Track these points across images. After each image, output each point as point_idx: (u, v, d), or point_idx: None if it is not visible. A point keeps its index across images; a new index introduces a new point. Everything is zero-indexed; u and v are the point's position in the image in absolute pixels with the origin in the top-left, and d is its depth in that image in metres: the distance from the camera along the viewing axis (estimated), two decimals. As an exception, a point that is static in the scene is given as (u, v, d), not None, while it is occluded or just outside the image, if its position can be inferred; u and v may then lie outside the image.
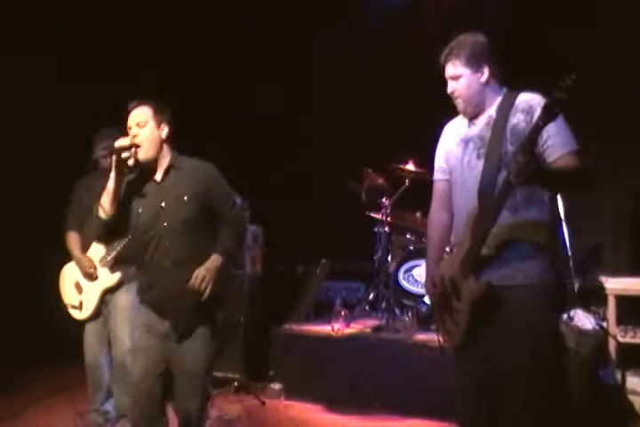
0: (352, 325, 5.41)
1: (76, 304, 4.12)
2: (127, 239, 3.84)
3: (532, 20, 5.59)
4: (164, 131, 3.05)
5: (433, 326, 4.84)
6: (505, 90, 2.82)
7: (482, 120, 2.80)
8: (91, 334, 4.13)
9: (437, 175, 3.02)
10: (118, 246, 3.98)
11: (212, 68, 6.53)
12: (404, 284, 5.57)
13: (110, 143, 3.84)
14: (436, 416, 4.48)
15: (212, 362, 3.10)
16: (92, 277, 4.07)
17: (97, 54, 5.93)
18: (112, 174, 2.94)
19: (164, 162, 3.05)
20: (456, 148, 2.88)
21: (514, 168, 2.35)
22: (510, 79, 2.90)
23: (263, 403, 4.92)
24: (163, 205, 2.99)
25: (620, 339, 4.15)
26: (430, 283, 2.88)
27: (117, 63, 5.96)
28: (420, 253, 5.67)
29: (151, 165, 3.03)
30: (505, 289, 2.62)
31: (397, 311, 5.46)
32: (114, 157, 2.93)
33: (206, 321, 3.01)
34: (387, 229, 5.87)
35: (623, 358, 4.11)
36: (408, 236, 6.00)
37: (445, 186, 2.97)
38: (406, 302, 5.53)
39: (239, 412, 4.72)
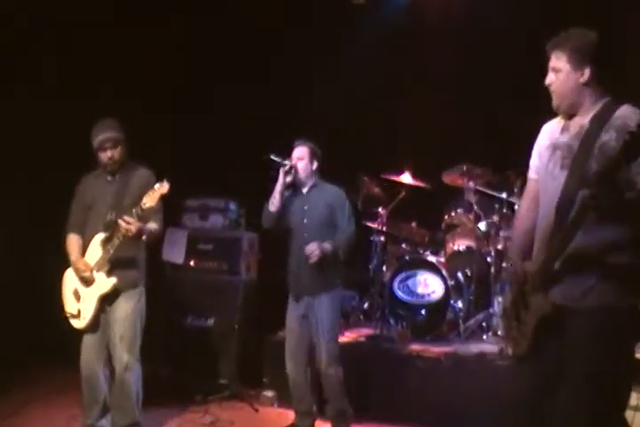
0: (346, 333, 5.43)
1: (75, 313, 3.98)
2: (121, 241, 3.80)
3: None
4: (315, 164, 4.43)
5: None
6: (607, 99, 2.67)
7: (574, 128, 2.68)
8: (88, 346, 3.98)
9: (530, 173, 2.92)
10: (111, 249, 3.85)
11: (207, 77, 6.56)
12: (399, 293, 5.58)
13: (108, 136, 3.97)
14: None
15: (335, 322, 4.37)
16: (88, 281, 3.93)
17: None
18: (279, 181, 4.32)
19: (310, 182, 4.45)
20: (545, 151, 2.79)
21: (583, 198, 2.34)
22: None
23: (256, 410, 4.93)
24: (305, 208, 4.40)
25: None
26: (515, 278, 2.80)
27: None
28: (415, 264, 5.70)
29: (301, 184, 4.44)
30: (571, 310, 2.55)
31: (392, 321, 5.48)
32: (281, 169, 4.32)
33: (326, 291, 4.31)
34: (382, 238, 5.90)
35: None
36: (404, 246, 6.04)
37: (535, 186, 2.88)
38: (401, 311, 5.54)
39: (232, 419, 4.71)
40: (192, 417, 4.74)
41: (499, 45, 6.02)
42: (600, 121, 2.59)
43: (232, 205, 5.92)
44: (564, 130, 2.73)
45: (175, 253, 5.68)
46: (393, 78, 6.57)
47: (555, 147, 2.73)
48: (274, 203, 4.35)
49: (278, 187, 4.34)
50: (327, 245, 4.22)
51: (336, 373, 4.28)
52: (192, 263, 5.73)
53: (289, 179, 4.35)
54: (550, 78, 2.70)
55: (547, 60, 2.72)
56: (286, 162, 4.36)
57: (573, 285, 2.55)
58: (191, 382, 5.12)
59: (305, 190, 4.48)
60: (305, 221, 4.39)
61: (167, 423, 4.60)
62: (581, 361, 2.52)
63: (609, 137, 2.52)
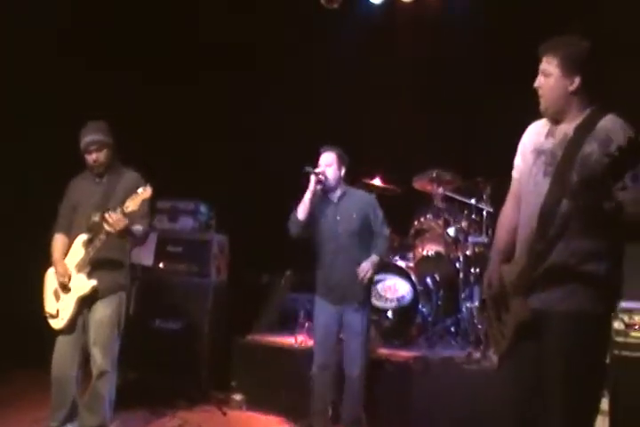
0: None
1: (54, 313, 3.93)
2: (102, 242, 3.77)
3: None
4: (342, 170, 4.40)
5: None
6: (592, 108, 2.66)
7: (559, 135, 2.68)
8: (63, 348, 3.92)
9: (514, 173, 2.92)
10: (92, 251, 3.82)
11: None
12: (368, 298, 5.61)
13: (93, 138, 3.93)
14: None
15: (367, 329, 4.38)
16: (64, 287, 3.89)
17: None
18: (309, 189, 4.29)
19: (339, 189, 4.43)
20: (529, 154, 2.78)
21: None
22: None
23: (224, 413, 4.92)
24: (338, 218, 4.38)
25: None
26: (487, 282, 2.83)
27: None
28: (384, 268, 5.70)
29: (330, 190, 4.42)
30: (548, 314, 2.59)
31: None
32: (312, 177, 4.28)
33: (361, 301, 4.33)
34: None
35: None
36: (373, 250, 6.05)
37: (518, 185, 2.87)
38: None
39: (200, 422, 4.67)
40: (160, 421, 4.70)
41: (473, 47, 6.08)
42: (584, 131, 2.59)
43: (202, 208, 5.91)
44: (548, 135, 2.74)
45: (144, 254, 5.65)
46: (364, 80, 6.60)
47: (539, 152, 2.73)
48: (303, 211, 4.32)
49: (308, 195, 4.31)
50: (375, 259, 4.30)
51: (361, 378, 4.28)
52: (161, 265, 5.71)
53: (319, 187, 4.35)
54: (540, 81, 2.70)
55: (537, 62, 2.72)
56: (318, 170, 4.33)
57: (552, 290, 2.60)
58: (159, 385, 5.09)
59: (335, 199, 4.46)
60: (339, 230, 4.36)
61: (134, 427, 4.58)
62: (556, 364, 2.57)
63: (591, 149, 2.52)
